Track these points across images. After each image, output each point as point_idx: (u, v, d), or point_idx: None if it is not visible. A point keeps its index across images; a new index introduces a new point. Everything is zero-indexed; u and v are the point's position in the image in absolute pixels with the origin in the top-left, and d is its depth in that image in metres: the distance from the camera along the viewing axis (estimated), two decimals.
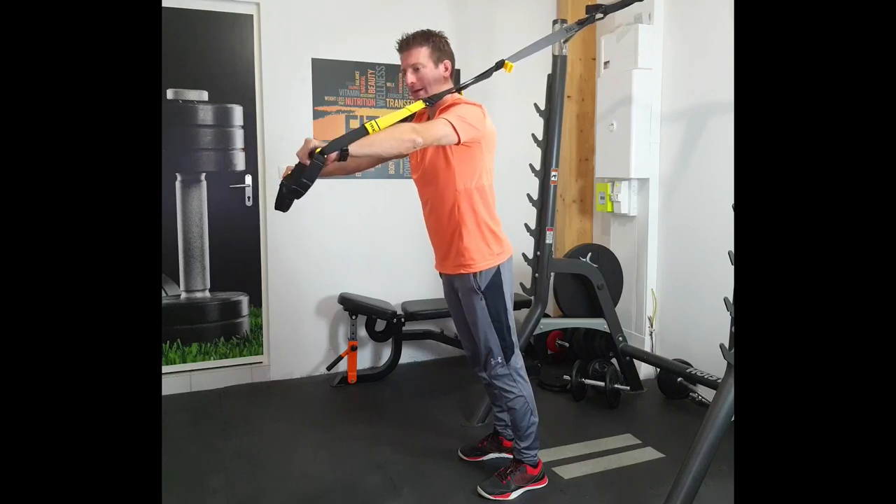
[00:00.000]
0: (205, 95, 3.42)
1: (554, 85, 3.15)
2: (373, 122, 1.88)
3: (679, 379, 3.20)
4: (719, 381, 2.40)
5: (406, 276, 3.86)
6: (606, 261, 3.53)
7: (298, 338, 3.69)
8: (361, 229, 3.77)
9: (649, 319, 3.60)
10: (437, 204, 2.23)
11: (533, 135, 3.31)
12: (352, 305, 3.56)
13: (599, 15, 2.89)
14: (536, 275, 3.23)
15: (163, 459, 2.41)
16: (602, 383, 3.17)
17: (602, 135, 3.70)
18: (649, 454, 2.68)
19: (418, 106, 2.06)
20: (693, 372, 2.96)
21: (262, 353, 3.68)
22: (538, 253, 3.22)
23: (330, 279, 3.72)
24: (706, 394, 3.14)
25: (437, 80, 2.18)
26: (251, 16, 3.47)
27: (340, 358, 3.63)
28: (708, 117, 3.21)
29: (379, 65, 3.74)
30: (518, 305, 3.45)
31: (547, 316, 3.55)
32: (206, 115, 3.44)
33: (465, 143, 2.05)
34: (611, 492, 2.37)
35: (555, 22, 3.09)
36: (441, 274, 2.41)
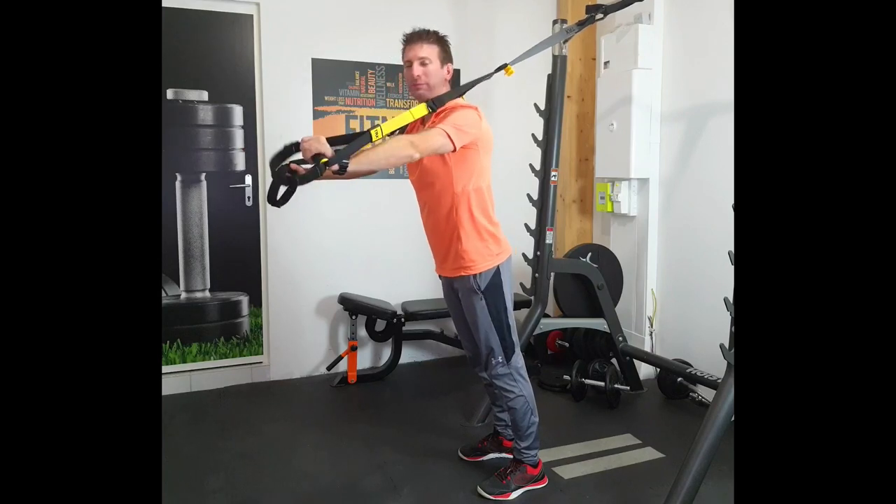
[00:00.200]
0: (205, 95, 3.42)
1: (554, 85, 3.15)
2: (377, 127, 1.89)
3: (679, 379, 3.20)
4: (719, 381, 2.40)
5: (406, 276, 3.86)
6: (606, 261, 3.53)
7: (298, 338, 3.69)
8: (361, 229, 3.77)
9: (649, 319, 3.60)
10: (435, 206, 2.23)
11: (533, 135, 3.31)
12: (352, 305, 3.56)
13: (599, 15, 2.89)
14: (536, 275, 3.23)
15: (163, 459, 2.41)
16: (602, 383, 3.17)
17: (602, 135, 3.70)
18: (649, 454, 2.68)
19: (421, 111, 2.06)
20: (693, 372, 2.96)
21: (262, 353, 3.68)
22: (538, 253, 3.22)
23: (330, 279, 3.72)
24: (706, 394, 3.14)
25: (439, 81, 2.18)
26: (251, 16, 3.47)
27: (340, 358, 3.63)
28: (708, 117, 3.21)
29: (379, 65, 3.74)
30: (518, 305, 3.45)
31: (547, 316, 3.55)
32: (206, 115, 3.44)
33: (462, 147, 2.06)
34: (611, 492, 2.37)
35: (555, 22, 3.09)
36: (440, 276, 2.41)
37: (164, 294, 3.46)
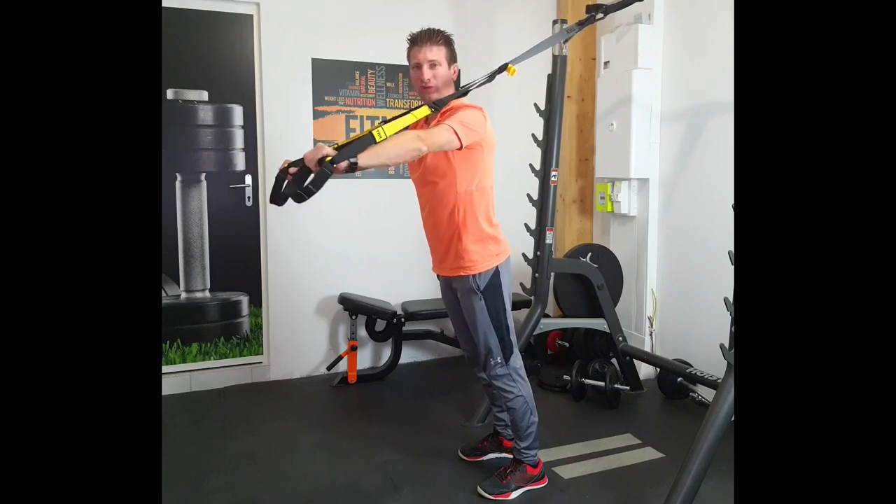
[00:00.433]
0: (205, 95, 3.42)
1: (554, 85, 3.15)
2: (379, 128, 1.88)
3: (679, 379, 3.20)
4: (719, 381, 2.40)
5: (406, 276, 3.86)
6: (606, 261, 3.53)
7: (298, 338, 3.69)
8: (361, 229, 3.77)
9: (649, 319, 3.60)
10: (437, 206, 2.23)
11: (533, 135, 3.31)
12: (352, 305, 3.56)
13: (599, 15, 2.89)
14: (536, 275, 3.23)
15: (163, 459, 2.41)
16: (602, 383, 3.17)
17: (602, 135, 3.70)
18: (649, 454, 2.68)
19: (424, 112, 2.06)
20: (693, 372, 2.96)
21: (262, 353, 3.68)
22: (538, 253, 3.22)
23: (330, 279, 3.72)
24: (706, 394, 3.14)
25: (446, 82, 2.18)
26: (251, 16, 3.47)
27: (340, 358, 3.63)
28: (708, 117, 3.21)
29: (379, 65, 3.74)
30: (518, 305, 3.45)
31: (547, 316, 3.55)
32: (206, 115, 3.44)
33: (467, 146, 2.06)
34: (611, 492, 2.37)
35: (555, 22, 3.09)
36: (438, 275, 2.41)
37: (164, 294, 3.46)
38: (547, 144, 3.19)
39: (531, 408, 2.37)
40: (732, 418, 2.13)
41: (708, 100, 3.20)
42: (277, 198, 1.84)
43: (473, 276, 2.22)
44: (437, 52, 2.14)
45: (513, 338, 2.32)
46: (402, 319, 3.62)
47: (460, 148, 2.03)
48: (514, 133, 3.72)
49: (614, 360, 3.40)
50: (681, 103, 3.38)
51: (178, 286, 3.49)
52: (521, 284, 3.42)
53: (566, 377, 3.33)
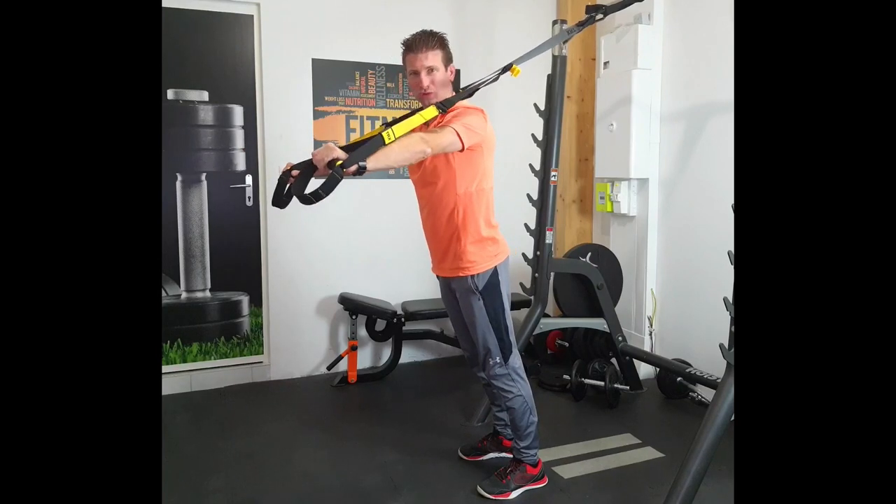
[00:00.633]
0: (205, 95, 3.42)
1: (554, 85, 3.15)
2: (389, 129, 1.88)
3: (679, 379, 3.20)
4: (719, 381, 2.40)
5: (406, 276, 3.86)
6: (606, 261, 3.54)
7: (298, 338, 3.69)
8: (361, 229, 3.77)
9: (649, 319, 3.60)
10: (436, 206, 2.23)
11: (533, 135, 3.31)
12: (352, 305, 3.56)
13: (599, 16, 2.89)
14: (536, 275, 3.23)
15: (163, 459, 2.42)
16: (602, 383, 3.17)
17: (602, 135, 3.70)
18: (649, 454, 2.68)
19: (432, 113, 2.06)
20: (693, 372, 2.96)
21: (263, 353, 3.68)
22: (538, 253, 3.22)
23: (330, 279, 3.72)
24: (706, 394, 3.14)
25: (444, 84, 2.18)
26: (251, 16, 3.48)
27: (340, 358, 3.63)
28: (708, 117, 3.21)
29: (379, 65, 3.74)
30: (518, 305, 3.45)
31: (547, 316, 3.56)
32: (206, 115, 3.44)
33: (468, 148, 2.06)
34: (610, 491, 2.38)
35: (554, 22, 3.09)
36: (438, 276, 2.42)
37: (164, 294, 3.46)
38: (547, 144, 3.19)
39: (531, 407, 2.37)
40: (732, 418, 2.13)
41: (708, 100, 3.20)
42: (279, 200, 1.85)
43: (472, 276, 2.22)
44: (433, 58, 2.13)
45: (512, 338, 2.32)
46: (402, 319, 3.62)
47: (462, 150, 2.04)
48: (514, 133, 3.72)
49: (614, 360, 3.40)
50: (680, 103, 3.38)
51: (179, 286, 3.49)
52: (521, 284, 3.42)
53: (566, 377, 3.33)
